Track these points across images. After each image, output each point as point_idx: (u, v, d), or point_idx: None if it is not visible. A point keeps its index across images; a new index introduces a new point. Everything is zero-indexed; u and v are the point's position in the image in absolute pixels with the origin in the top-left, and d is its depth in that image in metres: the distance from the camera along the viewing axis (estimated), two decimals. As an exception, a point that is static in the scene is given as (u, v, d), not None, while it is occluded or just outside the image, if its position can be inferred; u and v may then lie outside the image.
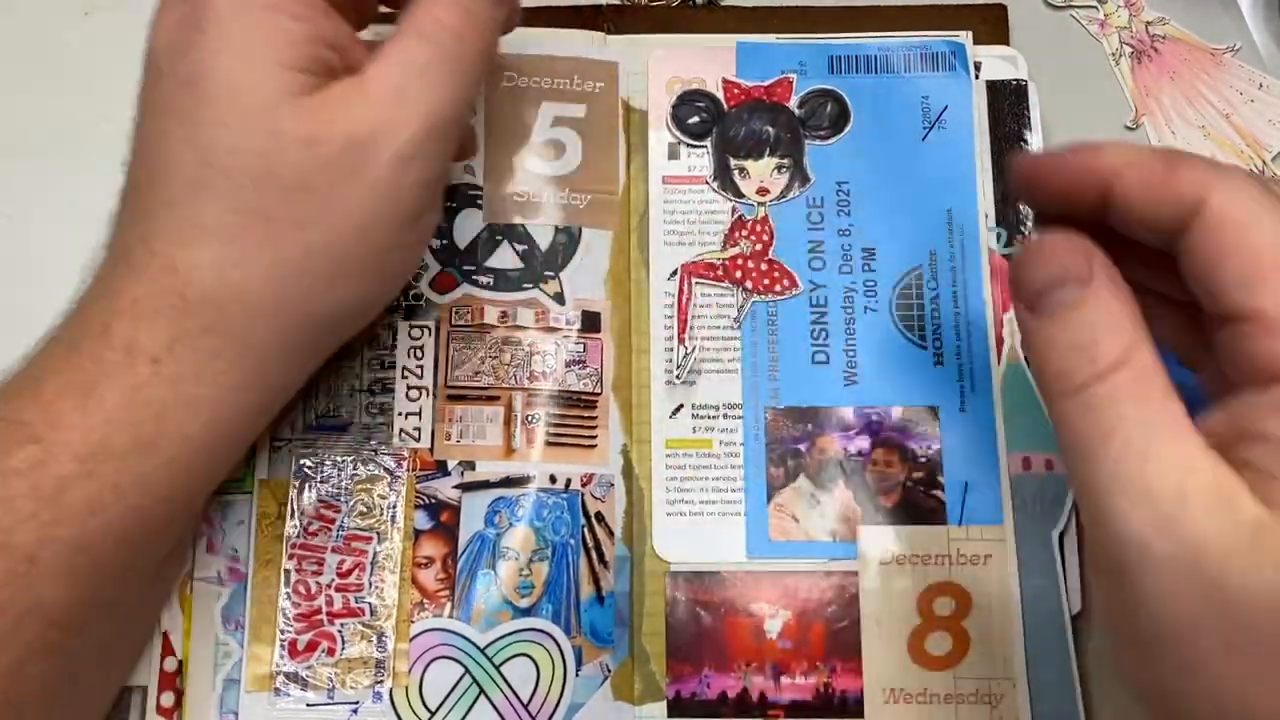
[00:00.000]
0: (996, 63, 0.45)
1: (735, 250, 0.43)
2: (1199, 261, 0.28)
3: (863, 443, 0.41)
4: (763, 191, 0.43)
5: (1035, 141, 0.44)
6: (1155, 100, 0.47)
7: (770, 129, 0.44)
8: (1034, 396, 0.41)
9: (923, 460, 0.41)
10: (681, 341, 0.42)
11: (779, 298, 0.42)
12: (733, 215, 0.43)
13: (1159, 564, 0.26)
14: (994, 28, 0.45)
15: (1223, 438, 0.27)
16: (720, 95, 0.44)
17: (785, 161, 0.43)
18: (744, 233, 0.43)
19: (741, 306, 0.42)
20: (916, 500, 0.40)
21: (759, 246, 0.43)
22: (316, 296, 0.34)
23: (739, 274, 0.42)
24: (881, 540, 0.40)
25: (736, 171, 0.43)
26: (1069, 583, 0.40)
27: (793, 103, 0.44)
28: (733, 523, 0.40)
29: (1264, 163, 0.46)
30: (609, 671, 0.39)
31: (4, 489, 0.30)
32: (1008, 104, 0.44)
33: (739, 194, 0.43)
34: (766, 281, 0.42)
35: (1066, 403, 0.28)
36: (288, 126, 0.32)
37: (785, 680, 0.39)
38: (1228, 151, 0.46)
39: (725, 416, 0.41)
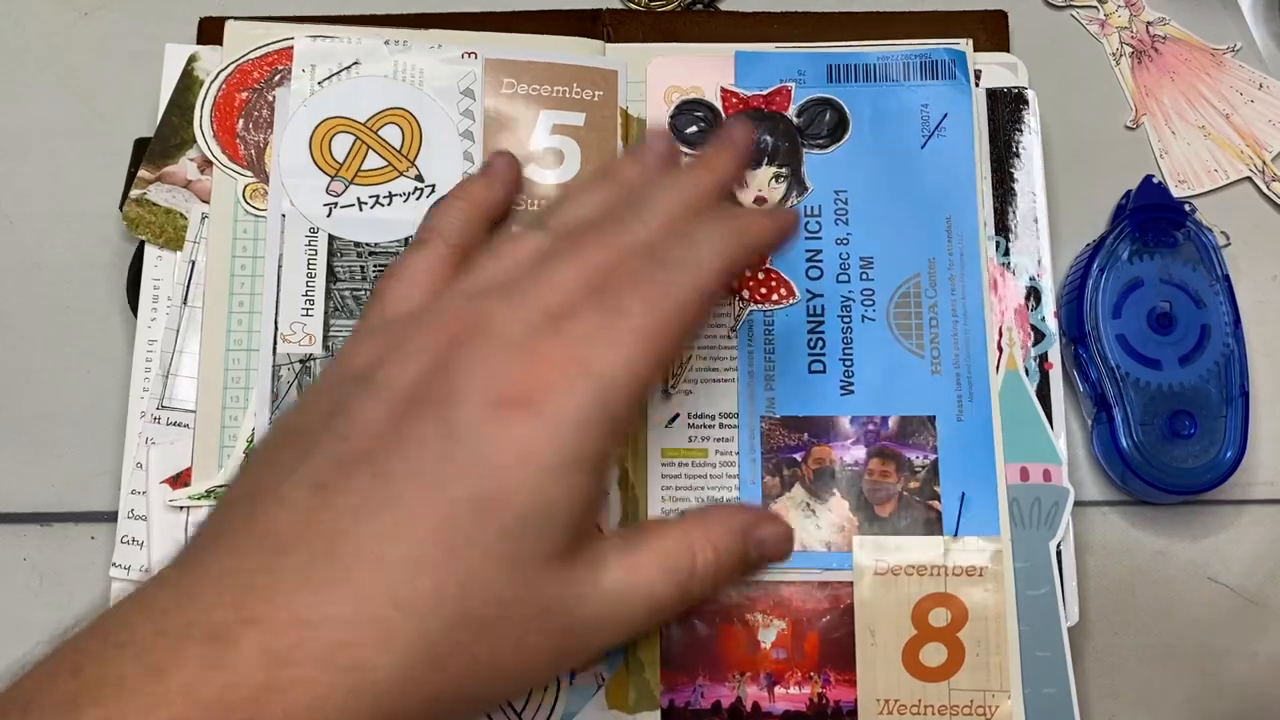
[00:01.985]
0: (997, 70, 0.44)
1: (732, 259, 0.43)
2: None
3: (859, 452, 0.41)
4: (760, 200, 0.43)
5: (1036, 151, 0.43)
6: (1155, 100, 0.47)
7: (768, 138, 0.44)
8: (1033, 406, 0.41)
9: (919, 470, 0.41)
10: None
11: (776, 307, 0.42)
12: (730, 225, 0.43)
13: None
14: (994, 34, 0.45)
15: None
16: (719, 104, 0.44)
17: (783, 170, 0.43)
18: (741, 242, 0.43)
19: (738, 316, 0.42)
20: (913, 510, 0.40)
21: (756, 256, 0.43)
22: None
23: (736, 283, 0.42)
24: (877, 550, 0.40)
25: (734, 181, 0.43)
26: (1066, 594, 0.40)
27: (791, 111, 0.44)
28: (728, 532, 0.40)
29: (1264, 163, 0.46)
30: (603, 680, 0.39)
31: None
32: (1008, 111, 0.44)
33: (737, 203, 0.43)
34: (764, 291, 0.42)
35: None
36: (534, 584, 0.31)
37: (779, 690, 0.39)
38: (1228, 151, 0.46)
39: (721, 426, 0.41)
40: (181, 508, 0.40)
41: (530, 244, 0.35)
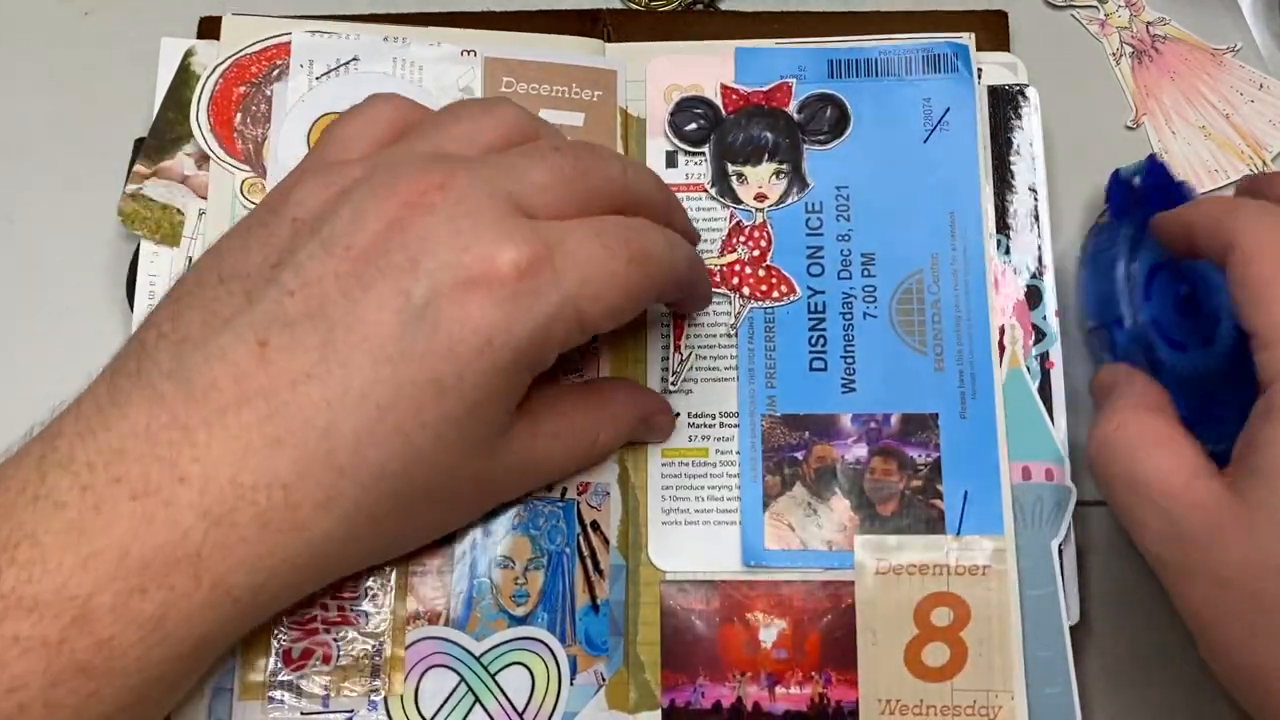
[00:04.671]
0: (997, 69, 0.44)
1: (733, 256, 0.42)
2: (1231, 285, 0.34)
3: (861, 450, 0.41)
4: (761, 197, 0.43)
5: (1037, 148, 0.43)
6: (1155, 100, 0.47)
7: (769, 134, 0.43)
8: (1035, 405, 0.41)
9: (922, 468, 0.40)
10: (677, 349, 0.42)
11: (777, 304, 0.42)
12: (730, 221, 0.43)
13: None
14: (994, 34, 0.45)
15: (1242, 442, 0.33)
16: (719, 101, 0.44)
17: (784, 167, 0.43)
18: (742, 239, 0.43)
19: (738, 313, 0.42)
20: (915, 509, 0.40)
21: (756, 253, 0.42)
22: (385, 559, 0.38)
23: (736, 280, 0.42)
24: (879, 549, 0.40)
25: (735, 178, 0.43)
26: (1068, 594, 0.40)
27: (792, 107, 0.44)
28: (729, 531, 0.40)
29: (1264, 163, 0.46)
30: (604, 680, 0.39)
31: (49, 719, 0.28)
32: (1009, 108, 0.44)
33: (737, 200, 0.43)
34: (764, 288, 0.42)
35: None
36: (475, 459, 0.33)
37: (780, 690, 0.39)
38: (1228, 152, 0.46)
39: (722, 425, 0.41)
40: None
41: (495, 124, 0.35)
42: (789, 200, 0.43)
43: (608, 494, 0.40)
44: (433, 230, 0.31)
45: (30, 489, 0.29)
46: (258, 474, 0.29)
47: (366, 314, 0.30)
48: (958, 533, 0.40)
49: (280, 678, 0.38)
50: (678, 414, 0.41)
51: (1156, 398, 0.37)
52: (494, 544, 0.39)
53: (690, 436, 0.41)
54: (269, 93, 0.43)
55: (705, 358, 0.42)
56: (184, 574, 0.29)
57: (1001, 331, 0.42)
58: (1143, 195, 0.42)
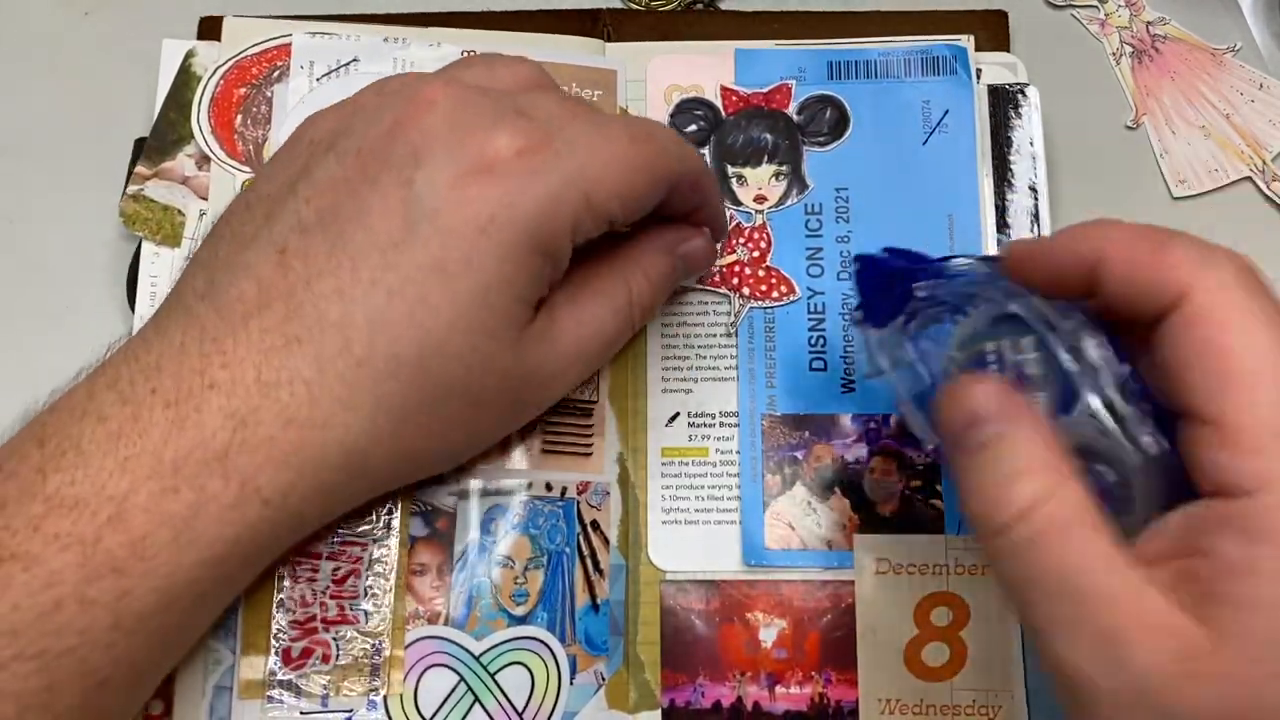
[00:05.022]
0: (997, 69, 0.44)
1: (733, 257, 0.42)
2: (1171, 354, 0.27)
3: (860, 450, 0.41)
4: (760, 199, 0.43)
5: (1037, 148, 0.43)
6: (1155, 100, 0.47)
7: (769, 136, 0.43)
8: (1034, 405, 0.41)
9: (921, 468, 0.40)
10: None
11: (777, 304, 0.42)
12: (730, 223, 0.43)
13: (1108, 700, 0.26)
14: (994, 34, 0.45)
15: (1178, 546, 0.27)
16: (719, 103, 0.44)
17: (783, 168, 0.43)
18: (741, 240, 0.43)
19: (738, 313, 0.42)
20: (915, 509, 0.40)
21: (756, 254, 0.42)
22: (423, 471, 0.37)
23: (736, 280, 0.42)
24: (878, 549, 0.40)
25: (734, 179, 0.43)
26: (1067, 593, 0.40)
27: (791, 109, 0.44)
28: (728, 531, 0.40)
29: (1264, 163, 0.46)
30: (603, 680, 0.39)
31: (84, 619, 0.29)
32: (1009, 109, 0.44)
33: (737, 201, 0.43)
34: (764, 288, 0.42)
35: (992, 543, 0.28)
36: (495, 352, 0.33)
37: (780, 690, 0.39)
38: (1228, 152, 0.46)
39: (721, 424, 0.41)
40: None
41: (510, 72, 0.36)
42: (789, 202, 0.43)
43: (608, 493, 0.40)
44: (434, 126, 0.32)
45: (79, 408, 0.31)
46: (280, 372, 0.31)
47: (372, 206, 0.32)
48: (957, 532, 0.40)
49: (280, 677, 0.38)
50: (676, 413, 0.41)
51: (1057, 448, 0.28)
52: (494, 543, 0.39)
53: (690, 436, 0.41)
54: (269, 94, 0.43)
55: (705, 357, 0.42)
56: (214, 475, 0.30)
57: (1001, 331, 0.42)
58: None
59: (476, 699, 0.38)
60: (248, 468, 0.31)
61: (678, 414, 0.41)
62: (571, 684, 0.39)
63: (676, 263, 0.38)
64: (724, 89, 0.44)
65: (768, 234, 0.43)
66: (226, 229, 0.34)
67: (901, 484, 0.40)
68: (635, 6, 0.47)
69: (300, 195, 0.33)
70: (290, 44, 0.44)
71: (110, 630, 0.30)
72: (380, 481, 0.35)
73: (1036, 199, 0.43)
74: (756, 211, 0.43)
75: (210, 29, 0.45)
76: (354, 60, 0.43)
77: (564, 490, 0.40)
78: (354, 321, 0.31)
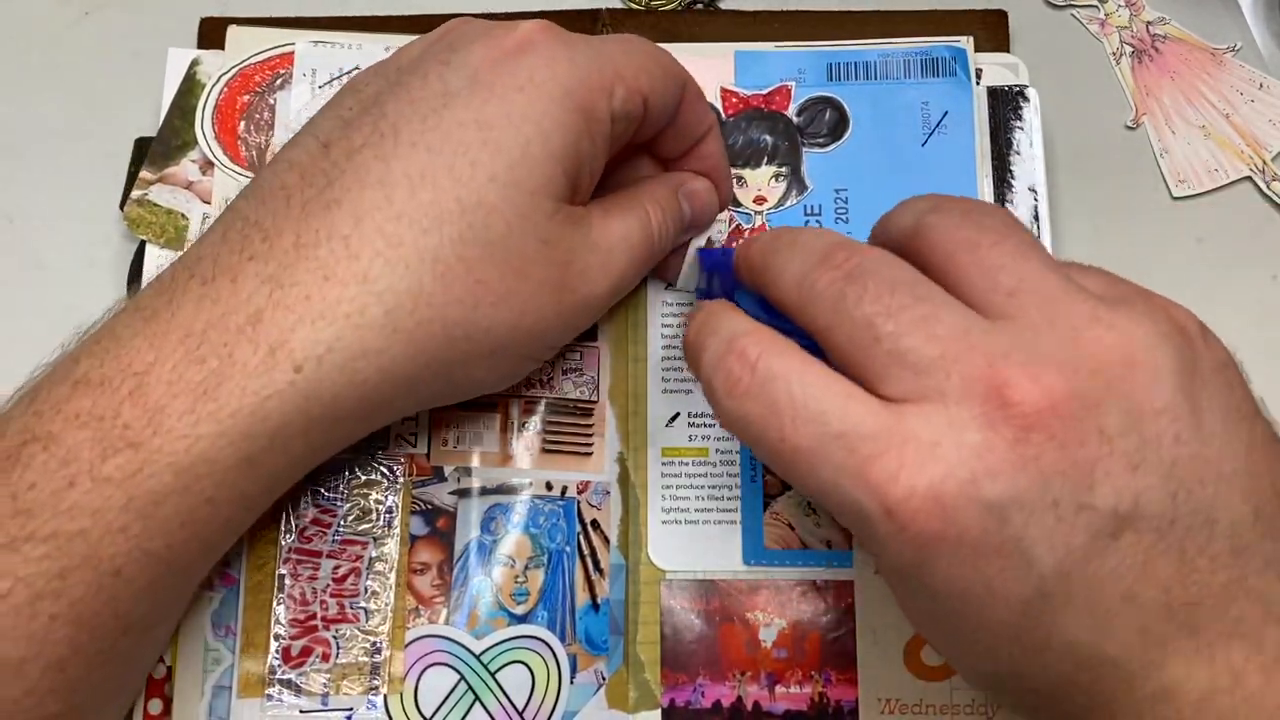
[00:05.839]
0: (997, 70, 0.44)
1: (733, 258, 0.42)
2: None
3: (860, 451, 0.41)
4: (760, 200, 0.43)
5: (1037, 148, 0.43)
6: (1156, 100, 0.47)
7: (768, 137, 0.44)
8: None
9: (920, 469, 0.40)
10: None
11: (777, 305, 0.42)
12: (730, 224, 0.43)
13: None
14: (994, 33, 0.45)
15: None
16: (718, 104, 0.44)
17: (783, 170, 0.43)
18: (741, 241, 0.43)
19: (738, 314, 0.42)
20: (913, 509, 0.40)
21: (756, 254, 0.42)
22: (453, 374, 0.34)
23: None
24: (878, 549, 0.40)
25: (734, 180, 0.43)
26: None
27: (791, 110, 0.44)
28: (728, 531, 0.40)
29: (1264, 163, 0.46)
30: (603, 679, 0.39)
31: (97, 498, 0.29)
32: (1009, 111, 0.44)
33: (736, 203, 0.43)
34: (764, 289, 0.42)
35: (738, 404, 0.30)
36: (532, 213, 0.33)
37: (780, 690, 0.39)
38: (1228, 152, 0.46)
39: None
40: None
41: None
42: (788, 203, 0.43)
43: (608, 493, 0.40)
44: (470, 30, 0.35)
45: (131, 306, 0.32)
46: (318, 233, 0.31)
47: (412, 86, 0.33)
48: (956, 533, 0.40)
49: (280, 675, 0.38)
50: (676, 413, 0.41)
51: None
52: (494, 542, 0.40)
53: (690, 436, 0.41)
54: (272, 101, 0.43)
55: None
56: (242, 340, 0.30)
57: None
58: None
59: (477, 698, 0.38)
60: (281, 328, 0.30)
61: (678, 414, 0.41)
62: (572, 683, 0.39)
63: (682, 204, 0.39)
64: (724, 90, 0.44)
65: (767, 235, 0.43)
66: (282, 155, 0.35)
67: (901, 484, 0.40)
68: (635, 6, 0.47)
69: (345, 105, 0.34)
70: (293, 52, 0.44)
71: (123, 511, 0.29)
72: (420, 366, 0.32)
73: (1036, 199, 0.43)
74: (756, 213, 0.43)
75: (211, 29, 0.45)
76: (355, 68, 0.43)
77: (564, 489, 0.40)
78: (393, 178, 0.32)
